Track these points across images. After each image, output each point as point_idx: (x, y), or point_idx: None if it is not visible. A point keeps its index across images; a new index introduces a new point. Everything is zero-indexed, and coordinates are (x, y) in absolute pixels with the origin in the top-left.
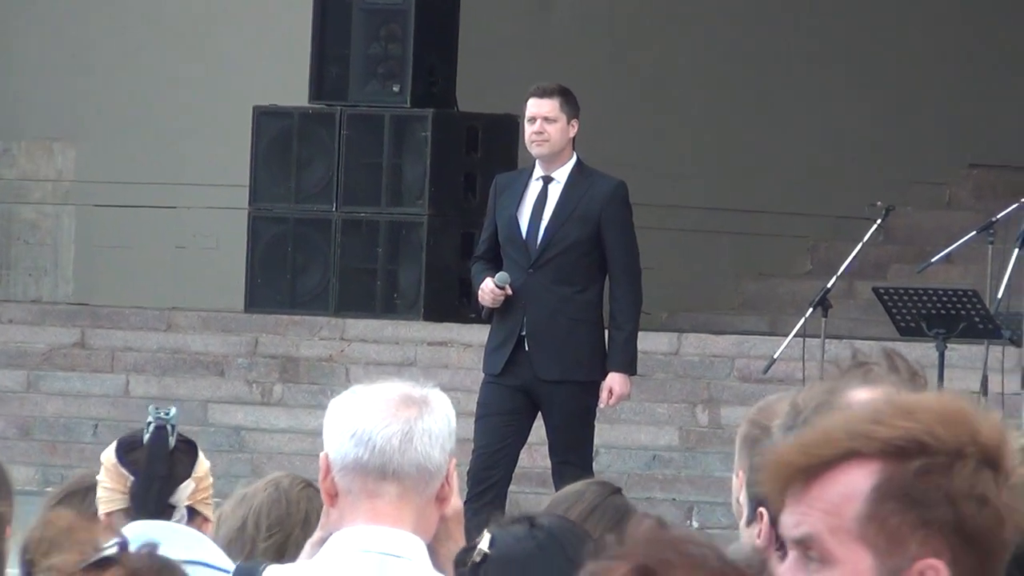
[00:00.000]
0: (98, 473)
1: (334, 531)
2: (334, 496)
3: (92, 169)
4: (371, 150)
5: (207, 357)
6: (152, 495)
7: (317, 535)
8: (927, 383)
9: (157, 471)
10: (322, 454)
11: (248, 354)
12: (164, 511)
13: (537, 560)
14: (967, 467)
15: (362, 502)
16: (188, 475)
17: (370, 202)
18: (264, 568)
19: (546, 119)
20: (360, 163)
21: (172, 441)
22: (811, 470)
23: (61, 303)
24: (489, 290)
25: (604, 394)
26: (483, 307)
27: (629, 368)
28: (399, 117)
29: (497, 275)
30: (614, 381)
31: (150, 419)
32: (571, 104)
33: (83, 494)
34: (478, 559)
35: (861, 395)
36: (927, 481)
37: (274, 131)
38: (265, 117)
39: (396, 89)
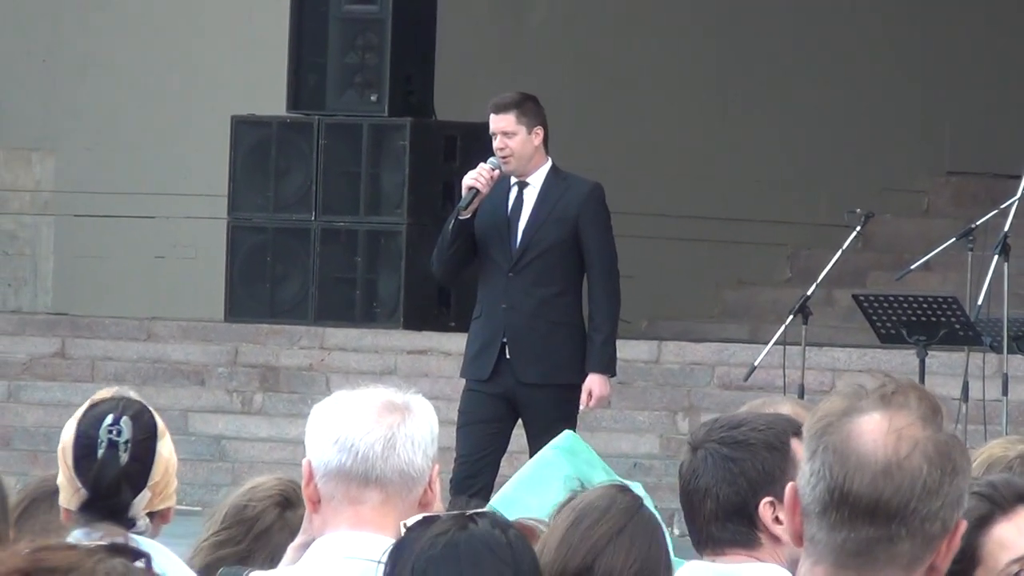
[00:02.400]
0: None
1: (317, 536)
2: (317, 503)
3: (71, 179)
4: (349, 159)
5: (187, 366)
6: (102, 511)
7: (299, 540)
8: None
9: (107, 492)
10: (305, 460)
11: (228, 363)
12: (119, 522)
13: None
14: None
15: (345, 508)
16: (142, 487)
17: (349, 211)
18: (247, 574)
19: (505, 134)
20: (338, 172)
21: (124, 458)
22: None
23: (41, 313)
24: (485, 170)
25: (584, 396)
26: (463, 204)
27: (608, 369)
28: (377, 126)
29: (489, 159)
30: (593, 383)
31: (101, 437)
32: (530, 113)
33: (49, 501)
34: None
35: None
36: None
37: (252, 141)
38: (243, 126)
39: (374, 98)
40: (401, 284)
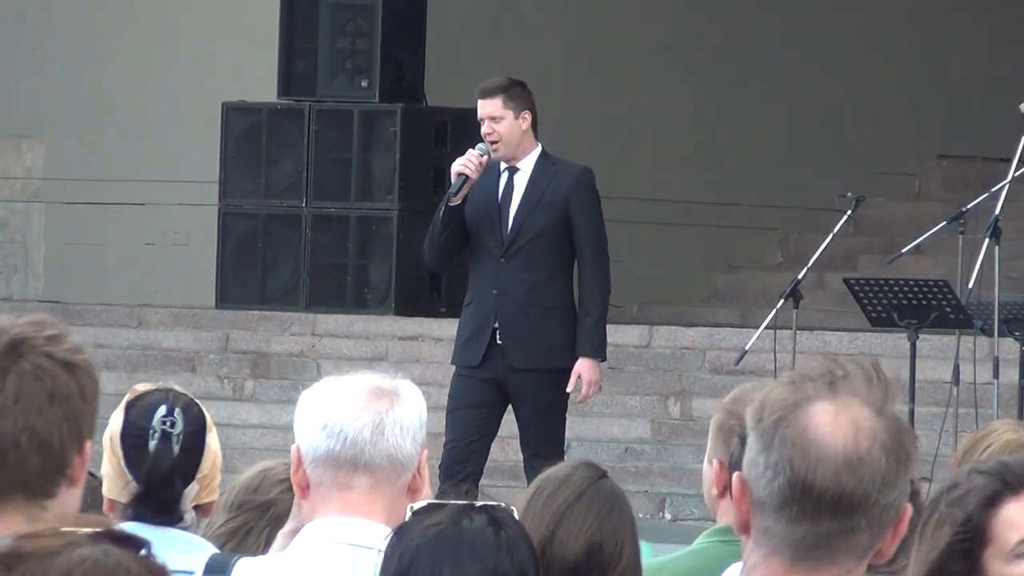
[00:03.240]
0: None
1: (306, 523)
2: (305, 488)
3: (61, 167)
4: (340, 145)
5: (178, 353)
6: (154, 504)
7: (289, 526)
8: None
9: (160, 484)
10: (294, 446)
11: (219, 350)
12: (168, 517)
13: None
14: None
15: (334, 494)
16: (192, 479)
17: (340, 197)
18: (236, 560)
19: (492, 119)
20: (329, 158)
21: (176, 450)
22: None
23: (31, 301)
24: (474, 156)
25: (573, 379)
26: (453, 191)
27: (598, 353)
28: (368, 112)
29: (478, 145)
30: (583, 367)
31: (154, 428)
32: (517, 98)
33: None
34: None
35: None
36: None
37: (243, 127)
38: (234, 113)
39: (364, 84)
40: (392, 270)
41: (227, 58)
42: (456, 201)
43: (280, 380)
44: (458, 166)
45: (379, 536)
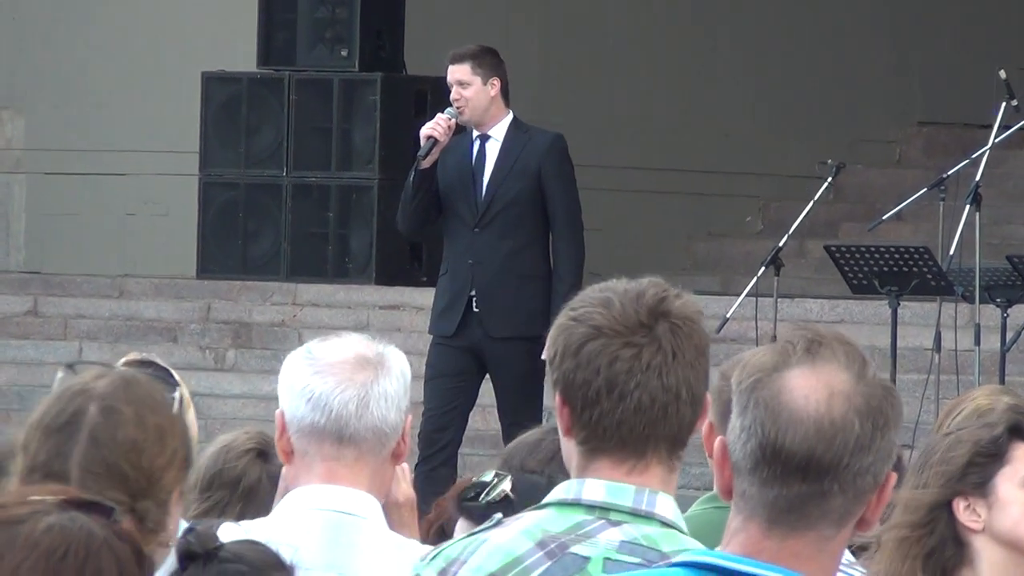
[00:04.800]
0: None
1: (290, 488)
2: (290, 454)
3: (41, 137)
4: (320, 115)
5: (160, 324)
6: None
7: (283, 485)
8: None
9: None
10: (278, 412)
11: (201, 320)
12: None
13: None
14: None
15: (318, 464)
16: None
17: (320, 167)
18: (218, 525)
19: (460, 83)
20: (309, 128)
21: None
22: None
23: (13, 272)
24: (443, 119)
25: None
26: (422, 153)
27: None
28: (348, 81)
29: (447, 110)
30: None
31: None
32: (486, 65)
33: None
34: (498, 499)
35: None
36: None
37: (223, 97)
38: (214, 83)
39: (344, 53)
40: (373, 239)
41: (207, 28)
42: (425, 164)
43: (262, 350)
44: (427, 129)
45: (363, 504)
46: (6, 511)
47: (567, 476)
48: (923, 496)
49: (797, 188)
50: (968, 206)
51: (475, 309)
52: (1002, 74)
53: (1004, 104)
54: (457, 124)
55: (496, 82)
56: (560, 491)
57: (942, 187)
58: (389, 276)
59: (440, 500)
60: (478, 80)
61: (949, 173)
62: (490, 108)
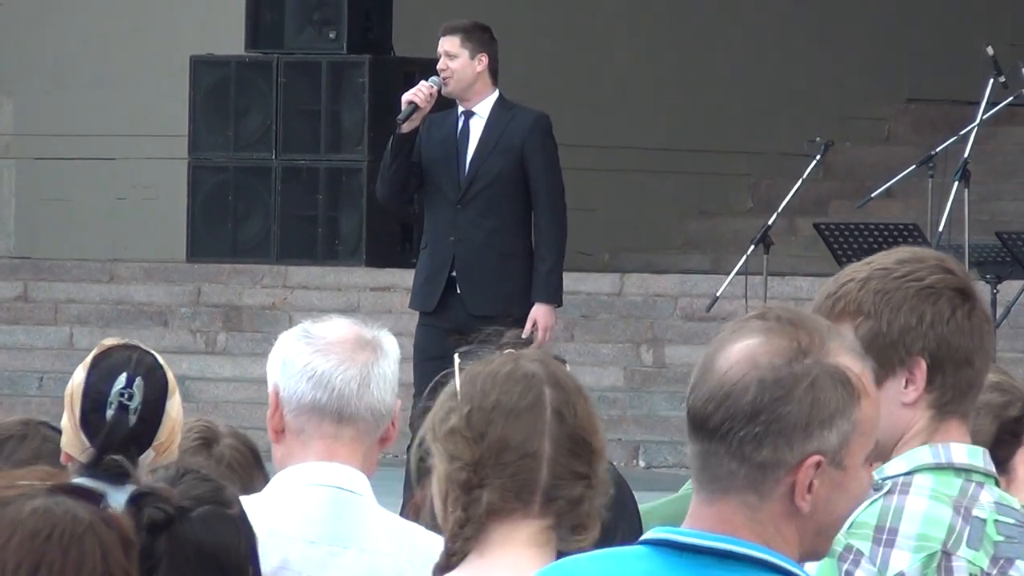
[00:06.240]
0: (15, 419)
1: (278, 468)
2: (281, 432)
3: (31, 122)
4: (309, 97)
5: (150, 307)
6: (107, 472)
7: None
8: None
9: (112, 451)
10: (271, 389)
11: (191, 303)
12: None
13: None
14: None
15: (315, 442)
16: (147, 447)
17: (309, 149)
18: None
19: (447, 54)
20: (298, 110)
21: (133, 420)
22: None
23: (3, 257)
24: (425, 86)
25: (529, 325)
26: (402, 118)
27: (554, 299)
28: (336, 64)
29: (431, 78)
30: (539, 313)
31: (112, 399)
32: (476, 40)
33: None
34: None
35: (733, 345)
36: None
37: (211, 80)
38: (202, 67)
39: (332, 36)
40: (363, 221)
41: (195, 12)
42: (405, 129)
43: (252, 333)
44: (408, 95)
45: (358, 482)
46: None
47: None
48: None
49: (787, 166)
50: (957, 183)
51: (457, 290)
52: (989, 51)
53: (992, 81)
54: (440, 95)
55: (484, 58)
56: (926, 455)
57: (931, 164)
58: (379, 258)
59: (426, 482)
60: (466, 53)
61: (938, 150)
62: (475, 83)
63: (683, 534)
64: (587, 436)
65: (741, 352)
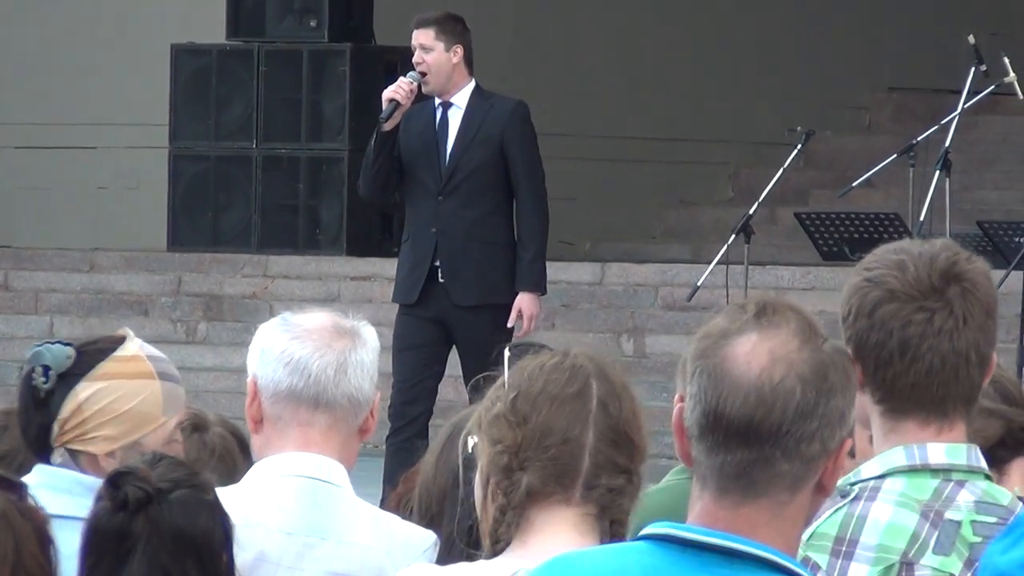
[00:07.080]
0: None
1: (257, 458)
2: (259, 422)
3: (10, 110)
4: (290, 86)
5: (131, 297)
6: (28, 439)
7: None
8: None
9: (25, 418)
10: (250, 378)
11: (172, 293)
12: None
13: None
14: None
15: (292, 430)
16: (54, 418)
17: (290, 138)
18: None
19: (422, 47)
20: (279, 99)
21: (44, 383)
22: None
23: None
24: (405, 82)
25: (514, 314)
26: (384, 116)
27: (538, 287)
28: (317, 52)
29: (409, 73)
30: (523, 301)
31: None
32: (450, 31)
33: None
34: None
35: (743, 343)
36: None
37: (192, 69)
38: (183, 55)
39: (313, 24)
40: (344, 210)
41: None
42: (387, 127)
43: (233, 322)
44: (389, 92)
45: (336, 472)
46: None
47: None
48: None
49: (767, 155)
50: (938, 172)
51: (440, 280)
52: (971, 39)
53: (973, 69)
54: (420, 90)
55: (459, 49)
56: (900, 458)
57: (912, 153)
58: (360, 247)
59: (410, 474)
60: (441, 46)
61: (919, 139)
62: (452, 75)
63: (687, 530)
64: (630, 431)
65: (766, 352)
